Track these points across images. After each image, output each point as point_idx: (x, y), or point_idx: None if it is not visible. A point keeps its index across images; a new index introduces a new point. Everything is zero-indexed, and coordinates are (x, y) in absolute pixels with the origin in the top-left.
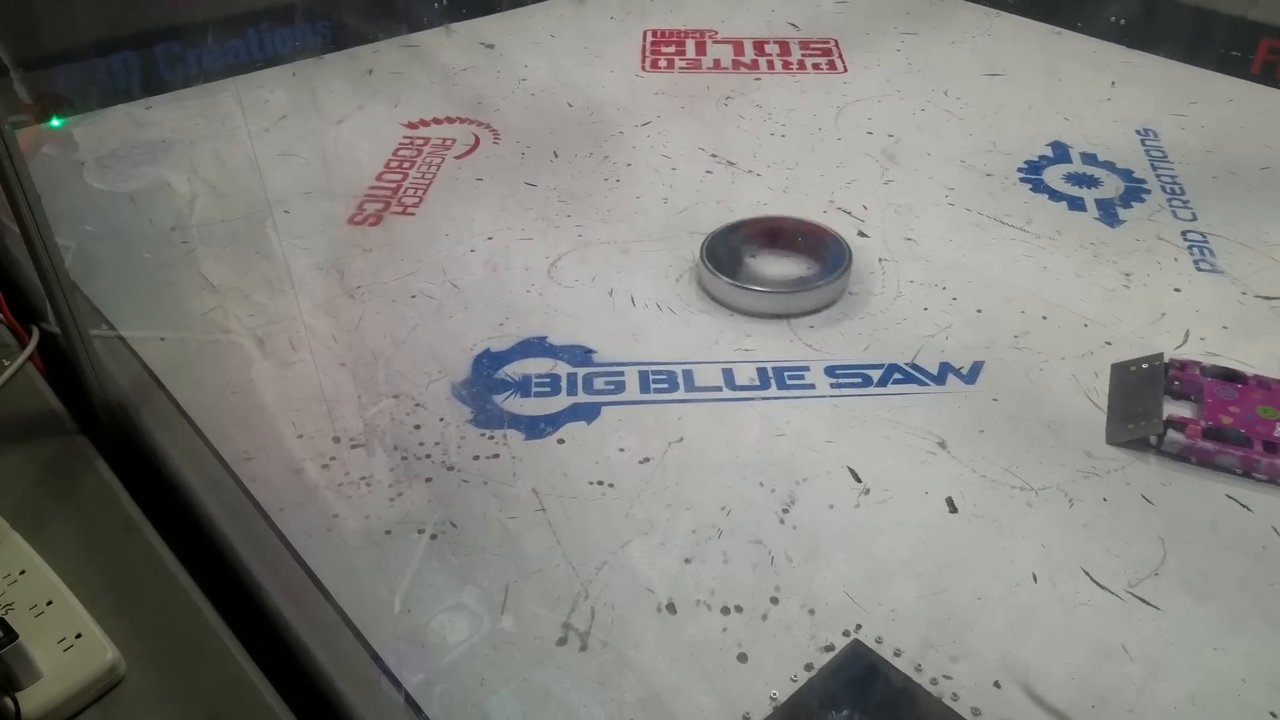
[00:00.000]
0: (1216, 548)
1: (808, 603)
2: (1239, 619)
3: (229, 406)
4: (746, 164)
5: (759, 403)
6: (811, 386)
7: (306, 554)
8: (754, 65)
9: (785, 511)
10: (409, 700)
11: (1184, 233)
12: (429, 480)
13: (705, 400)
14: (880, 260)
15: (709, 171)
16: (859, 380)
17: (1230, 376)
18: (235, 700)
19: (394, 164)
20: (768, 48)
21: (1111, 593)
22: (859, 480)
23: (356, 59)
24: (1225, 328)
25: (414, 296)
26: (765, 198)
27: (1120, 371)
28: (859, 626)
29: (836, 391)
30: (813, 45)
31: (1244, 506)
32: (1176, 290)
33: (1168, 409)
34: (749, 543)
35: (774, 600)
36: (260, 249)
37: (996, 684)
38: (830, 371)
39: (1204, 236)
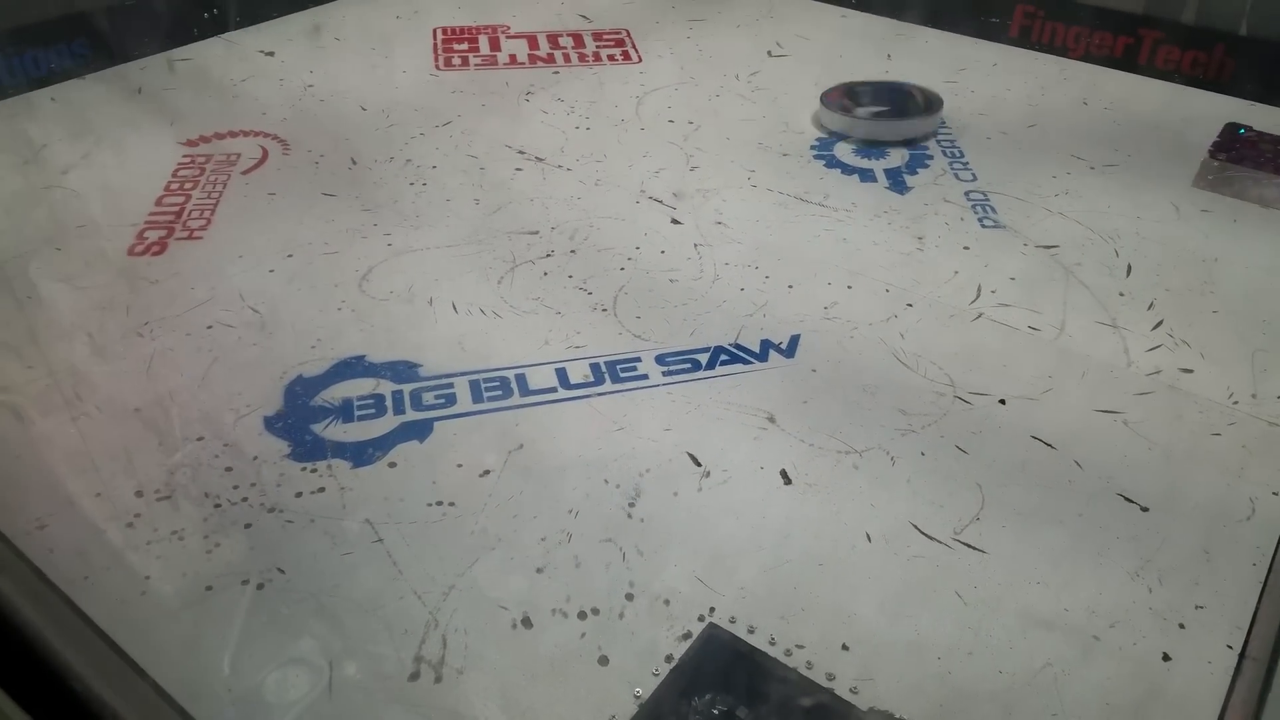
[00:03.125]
0: (1028, 487)
1: (662, 594)
2: (1055, 552)
3: (10, 474)
4: (555, 159)
5: (595, 399)
6: (645, 377)
7: (122, 622)
8: (550, 59)
9: (632, 505)
10: None
11: (967, 193)
12: (248, 526)
13: (541, 403)
14: (695, 246)
15: (518, 169)
16: (689, 366)
17: None
18: None
19: (174, 186)
20: (562, 41)
21: (940, 542)
22: (699, 464)
23: (123, 77)
24: (1013, 279)
25: (210, 327)
26: (578, 191)
27: None
28: (713, 610)
29: (669, 379)
30: (606, 36)
31: (1048, 445)
32: (965, 248)
33: None
34: (599, 542)
35: (629, 597)
36: (30, 294)
37: (845, 646)
38: (661, 360)
39: (985, 195)
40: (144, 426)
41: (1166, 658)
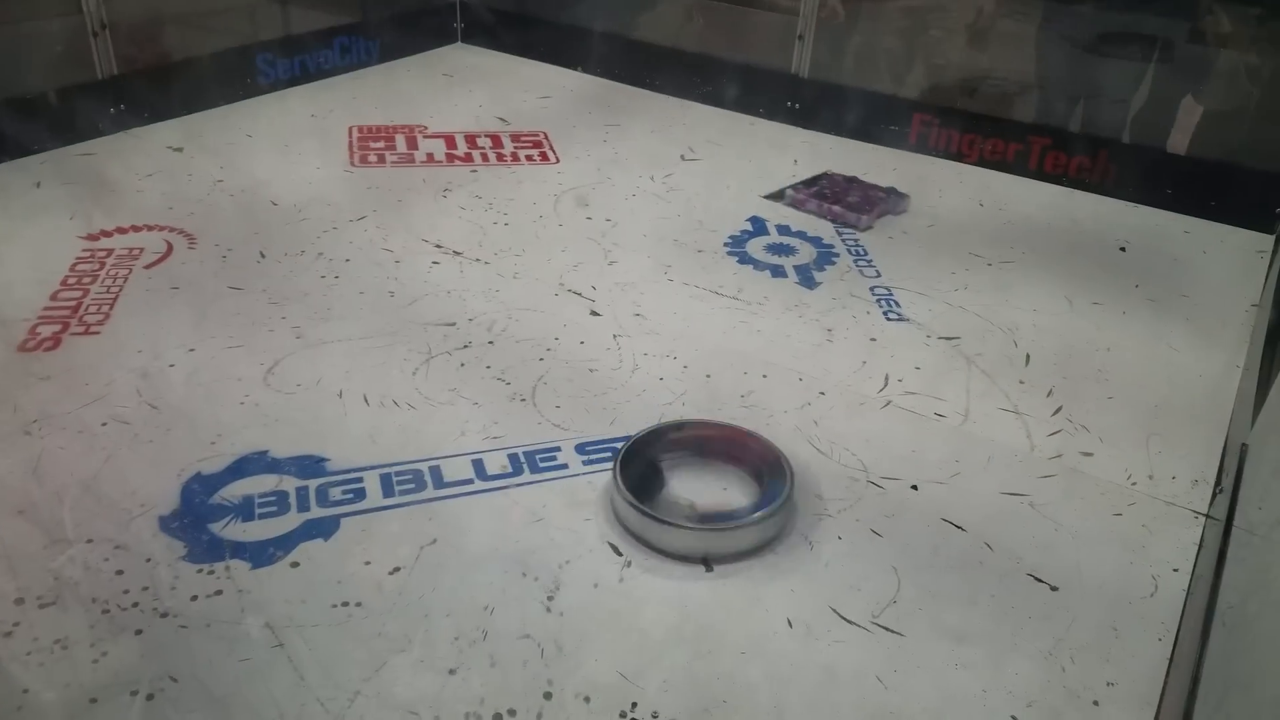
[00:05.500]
0: (941, 569)
1: (582, 690)
2: (971, 634)
3: None
4: (473, 253)
5: (513, 490)
6: (565, 466)
7: None
8: (468, 158)
9: (550, 599)
10: None
11: (872, 288)
12: (139, 632)
13: (456, 495)
14: (615, 336)
15: (435, 262)
16: (609, 454)
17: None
18: None
19: (71, 280)
20: (480, 141)
21: (859, 626)
22: (619, 554)
23: (23, 170)
24: (918, 368)
25: (105, 424)
26: (496, 284)
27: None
28: (635, 705)
29: (589, 468)
30: (523, 138)
31: (959, 527)
32: (872, 340)
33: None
34: (517, 639)
35: (548, 695)
36: None
37: None
38: (581, 449)
39: (889, 290)
40: (28, 529)
41: None
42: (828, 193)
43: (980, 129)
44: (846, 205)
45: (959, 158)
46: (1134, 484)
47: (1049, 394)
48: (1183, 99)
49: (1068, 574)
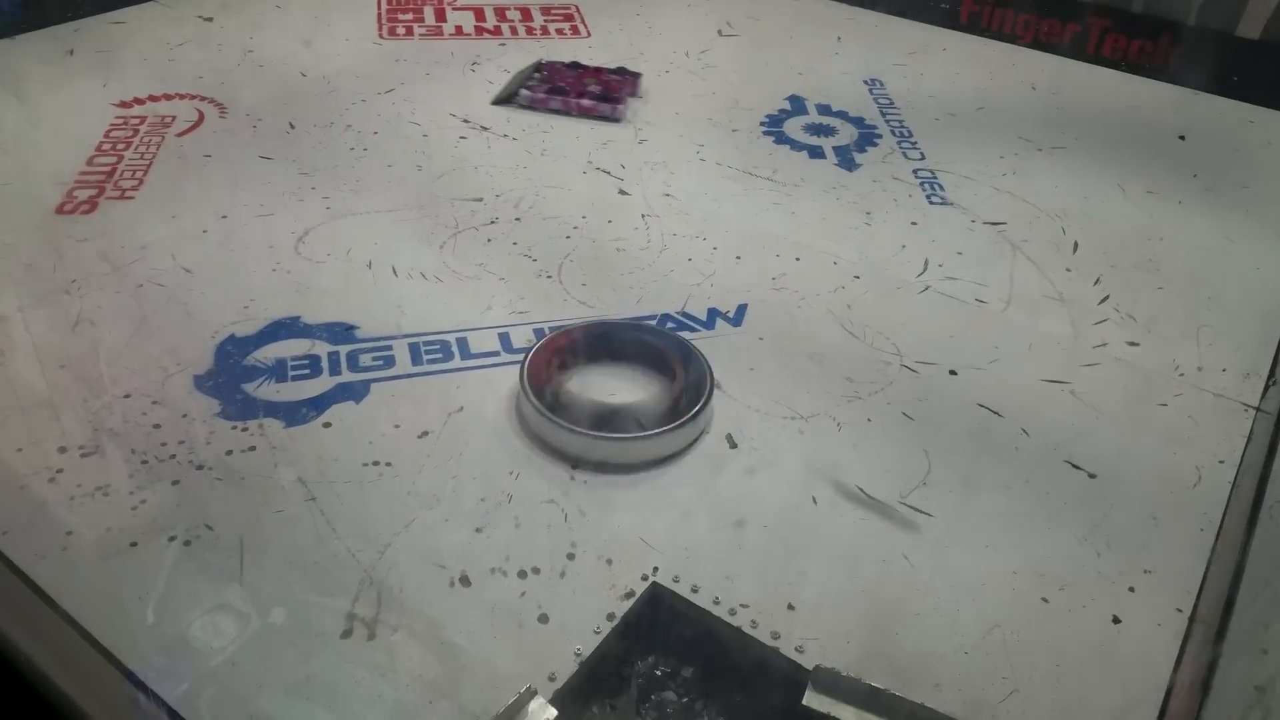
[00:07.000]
0: (975, 453)
1: (604, 553)
2: (1003, 516)
3: None
4: (500, 128)
5: None
6: None
7: (40, 577)
8: (497, 31)
9: (575, 468)
10: (171, 712)
11: (915, 171)
12: (176, 483)
13: (483, 367)
14: (643, 216)
15: (463, 137)
16: None
17: (575, 66)
18: None
19: (106, 146)
20: (509, 14)
21: (887, 506)
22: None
23: (55, 38)
24: (960, 253)
25: (140, 286)
26: (523, 160)
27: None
28: (656, 569)
29: None
30: (554, 11)
31: (995, 413)
32: (913, 224)
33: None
34: (541, 503)
35: (570, 556)
36: None
37: (790, 606)
38: None
39: (933, 174)
40: (70, 382)
41: (1116, 620)
42: (565, 87)
43: (1035, 8)
44: (594, 97)
45: (1012, 39)
46: (1181, 375)
47: (1096, 282)
48: None
49: (1108, 462)
